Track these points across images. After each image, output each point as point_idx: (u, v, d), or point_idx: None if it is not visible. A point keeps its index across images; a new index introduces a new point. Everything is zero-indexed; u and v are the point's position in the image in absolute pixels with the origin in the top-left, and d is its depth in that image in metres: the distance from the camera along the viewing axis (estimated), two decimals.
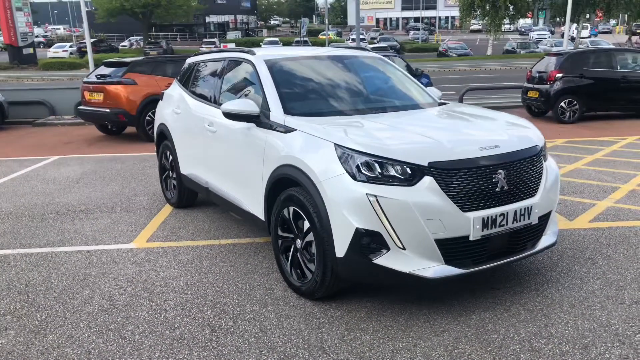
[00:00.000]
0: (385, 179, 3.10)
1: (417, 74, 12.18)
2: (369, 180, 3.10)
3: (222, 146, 4.51)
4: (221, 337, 3.17)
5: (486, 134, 3.56)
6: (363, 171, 3.12)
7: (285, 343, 3.09)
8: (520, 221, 3.31)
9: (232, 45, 38.81)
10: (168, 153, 5.75)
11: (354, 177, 3.13)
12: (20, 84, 24.06)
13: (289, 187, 3.58)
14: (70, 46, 46.38)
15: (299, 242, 3.57)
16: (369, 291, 3.66)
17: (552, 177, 3.62)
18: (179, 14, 55.03)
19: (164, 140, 5.85)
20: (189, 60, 5.78)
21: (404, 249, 3.08)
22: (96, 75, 10.60)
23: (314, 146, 3.40)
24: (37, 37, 52.30)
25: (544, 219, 3.55)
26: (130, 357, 2.98)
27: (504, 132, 3.61)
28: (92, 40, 47.41)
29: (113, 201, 6.19)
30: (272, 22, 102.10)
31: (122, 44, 56.91)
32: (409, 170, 3.10)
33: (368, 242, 3.09)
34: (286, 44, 46.90)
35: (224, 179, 4.59)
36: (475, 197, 3.17)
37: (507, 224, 3.25)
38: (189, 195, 5.70)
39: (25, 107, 13.27)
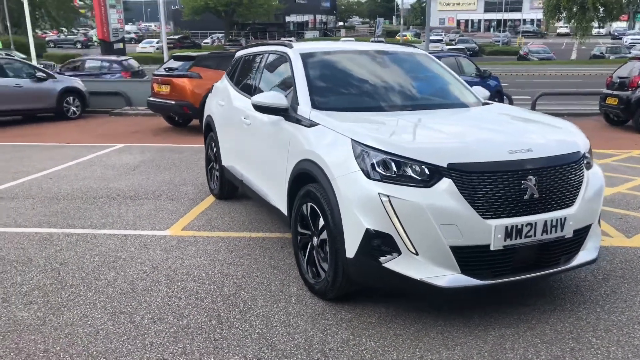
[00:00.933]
0: (401, 179, 2.92)
1: (484, 76, 11.72)
2: (383, 179, 2.94)
3: (254, 139, 4.49)
4: (225, 329, 3.14)
5: (521, 136, 3.28)
6: (378, 169, 2.96)
7: (287, 342, 3.00)
8: (551, 233, 3.01)
9: None
10: (213, 144, 5.83)
11: (367, 175, 2.98)
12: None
13: (308, 182, 3.49)
14: (157, 42, 48.87)
15: (315, 239, 3.47)
16: (386, 296, 3.49)
17: (594, 187, 3.27)
18: (259, 13, 56.59)
19: (210, 132, 5.94)
20: (238, 54, 5.82)
21: (416, 254, 2.89)
22: (165, 69, 11.04)
23: (332, 141, 3.28)
24: (128, 33, 55.55)
25: (582, 233, 3.21)
26: (133, 342, 3.01)
27: (542, 135, 3.31)
28: (177, 37, 49.79)
29: (161, 189, 6.38)
30: (349, 22, 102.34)
31: (205, 40, 59.22)
32: (426, 171, 2.91)
33: (378, 244, 2.93)
34: None
35: (255, 172, 4.57)
36: (499, 203, 2.92)
37: (534, 236, 2.97)
38: (230, 187, 5.74)
39: (104, 97, 14.12)
